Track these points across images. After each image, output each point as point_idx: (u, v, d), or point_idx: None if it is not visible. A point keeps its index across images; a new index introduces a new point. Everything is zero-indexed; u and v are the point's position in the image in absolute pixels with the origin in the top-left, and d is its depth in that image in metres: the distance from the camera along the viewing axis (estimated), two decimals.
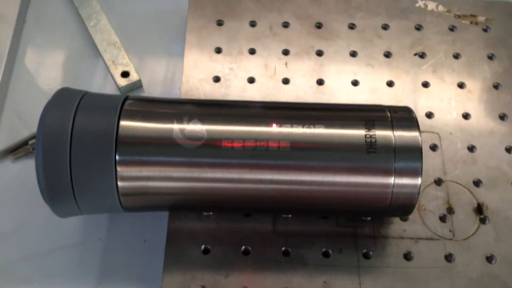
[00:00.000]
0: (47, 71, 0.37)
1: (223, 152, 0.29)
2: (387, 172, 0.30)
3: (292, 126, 0.30)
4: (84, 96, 0.31)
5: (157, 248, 0.33)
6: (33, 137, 0.36)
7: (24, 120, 0.37)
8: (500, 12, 0.42)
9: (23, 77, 0.38)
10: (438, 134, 0.37)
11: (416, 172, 0.30)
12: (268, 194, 0.30)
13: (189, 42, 0.39)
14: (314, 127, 0.30)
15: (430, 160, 0.36)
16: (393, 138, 0.30)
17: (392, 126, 0.30)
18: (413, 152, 0.30)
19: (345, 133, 0.30)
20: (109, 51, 0.39)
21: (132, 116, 0.30)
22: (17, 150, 0.36)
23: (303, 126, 0.30)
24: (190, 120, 0.30)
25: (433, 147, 0.36)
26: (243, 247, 0.33)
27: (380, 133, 0.30)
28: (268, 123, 0.30)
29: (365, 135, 0.30)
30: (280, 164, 0.30)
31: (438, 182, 0.35)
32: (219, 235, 0.33)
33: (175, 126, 0.30)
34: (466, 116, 0.38)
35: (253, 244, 0.33)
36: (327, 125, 0.30)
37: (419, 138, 0.30)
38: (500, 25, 0.41)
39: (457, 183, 0.35)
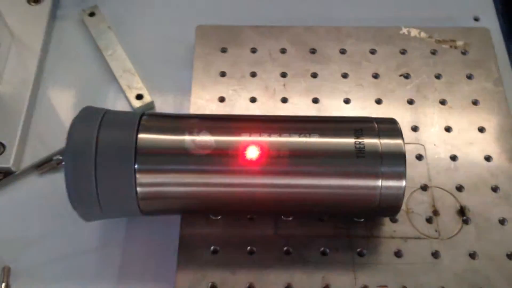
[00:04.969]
0: (69, 95, 0.41)
1: (229, 159, 0.33)
2: (375, 175, 0.33)
3: (290, 136, 0.34)
4: (106, 113, 0.35)
5: (170, 250, 0.36)
6: (56, 154, 0.40)
7: (48, 140, 0.41)
8: (476, 37, 0.46)
9: (46, 101, 0.43)
10: (423, 145, 0.41)
11: (401, 175, 0.33)
12: (269, 197, 0.34)
13: (196, 68, 0.44)
14: (310, 136, 0.34)
15: (416, 169, 0.40)
16: (380, 145, 0.34)
17: (379, 135, 0.34)
18: (397, 157, 0.34)
19: (337, 140, 0.34)
20: (125, 77, 0.44)
21: (149, 130, 0.34)
22: (42, 165, 0.40)
23: (299, 136, 0.34)
24: (199, 132, 0.34)
25: (419, 157, 0.40)
26: (248, 248, 0.36)
27: (368, 141, 0.34)
28: (268, 133, 0.34)
29: (355, 142, 0.33)
30: (280, 170, 0.33)
31: (424, 188, 0.39)
32: (226, 237, 0.37)
33: (187, 138, 0.34)
34: (448, 129, 0.41)
35: (257, 245, 0.36)
36: (321, 134, 0.34)
37: (403, 145, 0.34)
38: (477, 49, 0.45)
39: (441, 188, 0.39)
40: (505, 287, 0.35)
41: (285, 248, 0.36)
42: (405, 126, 0.41)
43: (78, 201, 0.34)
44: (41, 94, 0.43)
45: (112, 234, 0.38)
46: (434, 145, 0.41)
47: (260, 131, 0.34)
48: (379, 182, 0.33)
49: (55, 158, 0.40)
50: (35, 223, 0.38)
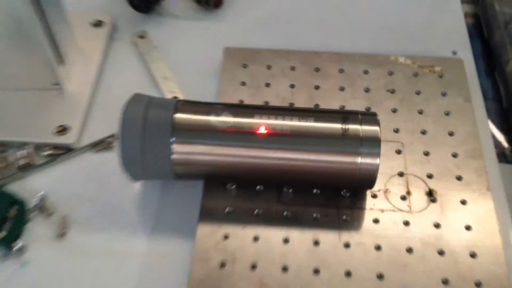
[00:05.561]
0: (120, 94, 0.51)
1: (243, 136, 0.43)
2: (356, 154, 0.43)
3: (291, 120, 0.44)
4: (150, 98, 0.45)
5: (193, 210, 0.46)
6: (108, 137, 0.51)
7: (102, 125, 0.51)
8: (452, 65, 0.56)
9: (102, 97, 0.53)
10: (402, 143, 0.50)
11: (376, 155, 0.43)
12: (274, 167, 0.44)
13: (222, 78, 0.54)
14: (307, 120, 0.44)
15: (395, 160, 0.49)
16: (361, 130, 0.43)
17: (361, 123, 0.44)
18: (374, 140, 0.43)
19: (327, 124, 0.43)
20: (165, 83, 0.55)
21: (182, 111, 0.44)
22: (97, 145, 0.50)
23: (299, 120, 0.44)
24: (222, 112, 0.44)
25: (398, 151, 0.49)
26: (255, 211, 0.45)
27: (352, 126, 0.43)
28: (275, 117, 0.44)
29: (341, 126, 0.43)
30: (282, 145, 0.43)
31: (401, 174, 0.48)
32: (238, 203, 0.46)
33: (212, 118, 0.44)
34: (423, 132, 0.51)
35: (263, 209, 0.46)
36: (316, 119, 0.44)
37: (379, 132, 0.43)
38: (451, 73, 0.55)
39: (414, 175, 0.48)
40: (461, 250, 0.44)
41: (284, 213, 0.46)
42: (389, 128, 0.51)
43: (128, 165, 0.44)
44: (99, 92, 0.54)
45: (149, 196, 0.47)
46: (411, 143, 0.50)
47: (268, 115, 0.44)
48: (359, 159, 0.43)
49: (107, 139, 0.50)
50: (88, 187, 0.48)
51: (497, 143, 0.63)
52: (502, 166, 0.58)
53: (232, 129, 0.44)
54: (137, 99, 0.45)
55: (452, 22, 0.63)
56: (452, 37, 0.61)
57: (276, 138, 0.43)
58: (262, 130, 0.43)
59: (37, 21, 0.47)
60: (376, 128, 0.44)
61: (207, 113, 0.44)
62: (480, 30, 0.70)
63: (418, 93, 0.54)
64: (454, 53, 0.59)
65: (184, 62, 0.57)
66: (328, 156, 0.43)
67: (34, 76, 0.51)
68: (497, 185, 0.49)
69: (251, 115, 0.44)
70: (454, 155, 0.49)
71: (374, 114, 0.45)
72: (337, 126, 0.43)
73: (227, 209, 0.46)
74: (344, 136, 0.43)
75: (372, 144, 0.43)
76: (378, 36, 0.60)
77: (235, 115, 0.44)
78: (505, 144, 0.61)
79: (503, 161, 0.63)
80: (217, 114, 0.44)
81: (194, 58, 0.57)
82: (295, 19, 0.62)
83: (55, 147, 0.50)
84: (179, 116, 0.44)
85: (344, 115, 0.44)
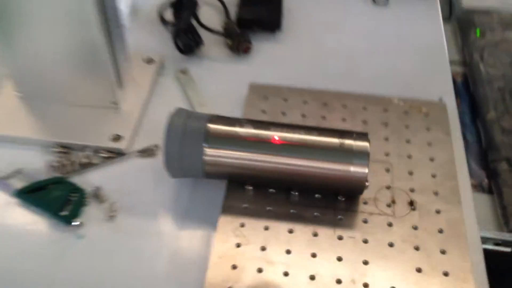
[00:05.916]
0: (164, 114, 0.63)
1: (262, 144, 0.55)
2: (349, 163, 0.54)
3: (299, 133, 0.55)
4: (189, 112, 0.58)
5: (217, 205, 0.57)
6: (152, 146, 0.63)
7: (148, 136, 0.64)
8: (436, 107, 0.68)
9: (150, 114, 0.66)
10: (391, 163, 0.61)
11: (365, 165, 0.54)
12: (283, 171, 0.55)
13: (247, 106, 0.67)
14: (311, 134, 0.55)
15: (384, 176, 0.60)
16: (354, 144, 0.55)
17: (355, 139, 0.55)
18: (364, 153, 0.54)
19: (328, 139, 0.55)
20: (200, 108, 0.67)
21: (213, 122, 0.56)
22: (143, 152, 0.62)
23: (305, 134, 0.55)
24: (245, 125, 0.56)
25: (387, 170, 0.60)
26: (267, 208, 0.56)
27: (347, 141, 0.55)
28: (286, 130, 0.55)
29: (339, 141, 0.55)
30: (291, 154, 0.54)
31: (388, 187, 0.59)
32: (254, 201, 0.57)
33: (236, 129, 0.56)
34: (409, 156, 0.62)
35: (273, 206, 0.56)
36: (319, 134, 0.55)
37: (368, 146, 0.54)
38: (436, 114, 0.67)
39: (399, 189, 0.59)
40: (434, 248, 0.53)
41: (291, 211, 0.56)
42: (381, 152, 0.62)
43: (169, 164, 0.55)
44: (147, 112, 0.67)
45: (181, 192, 0.59)
46: (399, 164, 0.61)
47: (281, 129, 0.56)
48: (351, 168, 0.54)
49: (151, 148, 0.62)
50: (133, 183, 0.60)
51: (476, 177, 0.74)
52: (477, 195, 0.68)
53: (252, 138, 0.55)
54: (179, 112, 0.57)
55: (441, 74, 0.75)
56: (440, 86, 0.73)
57: (286, 147, 0.55)
58: (275, 140, 0.55)
59: (107, 52, 0.60)
60: (366, 144, 0.55)
61: (233, 125, 0.56)
62: (467, 86, 0.83)
63: (407, 127, 0.65)
64: (440, 99, 0.71)
65: (216, 93, 0.70)
66: (327, 164, 0.54)
67: (98, 96, 0.64)
68: (468, 201, 0.59)
69: (267, 128, 0.56)
70: (433, 176, 0.60)
71: (366, 134, 0.57)
72: (335, 140, 0.55)
73: (244, 205, 0.57)
74: (340, 148, 0.54)
75: (363, 156, 0.54)
76: (377, 81, 0.73)
77: (255, 127, 0.56)
78: (483, 178, 0.71)
79: (480, 191, 0.73)
80: (241, 126, 0.56)
81: (225, 90, 0.70)
82: (309, 64, 0.75)
83: (110, 151, 0.62)
84: (211, 126, 0.56)
85: (341, 132, 0.56)
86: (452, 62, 0.84)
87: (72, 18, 0.57)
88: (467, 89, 0.81)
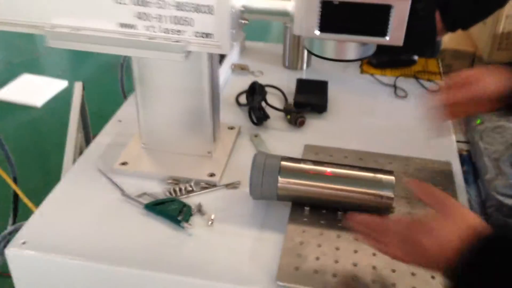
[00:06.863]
0: (247, 164, 0.88)
1: (319, 176, 0.79)
2: (380, 190, 0.78)
3: (345, 169, 0.80)
4: (267, 154, 0.83)
5: (284, 218, 0.80)
6: (236, 182, 0.88)
7: (240, 174, 0.89)
8: (442, 164, 0.92)
9: (232, 163, 0.92)
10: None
11: (391, 194, 0.77)
12: (333, 195, 0.79)
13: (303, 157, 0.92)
14: (354, 170, 0.80)
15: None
16: (382, 178, 0.79)
17: (383, 174, 0.79)
18: (390, 185, 0.78)
19: (365, 173, 0.79)
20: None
21: (285, 161, 0.81)
22: (230, 185, 0.87)
23: (349, 169, 0.80)
24: (307, 162, 0.81)
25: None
26: (321, 221, 0.79)
27: (378, 176, 0.79)
28: (336, 166, 0.80)
29: (372, 175, 0.79)
30: (338, 183, 0.79)
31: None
32: (310, 216, 0.80)
33: (301, 165, 0.81)
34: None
35: (325, 221, 0.79)
36: (359, 170, 0.80)
37: (394, 181, 0.78)
38: (442, 168, 0.91)
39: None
40: None
41: (338, 224, 0.79)
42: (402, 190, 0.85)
43: (253, 189, 0.80)
44: (231, 159, 0.92)
45: (259, 210, 0.82)
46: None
47: (332, 165, 0.80)
48: (381, 195, 0.78)
49: (235, 183, 0.87)
50: (223, 204, 0.84)
51: None
52: None
53: (312, 171, 0.80)
54: (260, 153, 0.83)
55: (448, 144, 0.99)
56: (446, 153, 0.97)
57: (336, 178, 0.79)
58: (328, 173, 0.79)
59: (210, 116, 0.87)
60: (392, 177, 0.79)
61: (299, 162, 0.81)
62: (470, 157, 1.07)
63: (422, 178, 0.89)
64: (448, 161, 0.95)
65: (279, 152, 0.95)
66: (364, 190, 0.78)
67: (199, 147, 0.91)
68: None
69: (323, 165, 0.81)
70: None
71: (392, 171, 0.81)
72: (370, 174, 0.79)
73: (304, 219, 0.80)
74: (373, 180, 0.79)
75: (389, 186, 0.78)
76: (398, 145, 0.98)
77: (314, 164, 0.81)
78: None
79: None
80: (305, 163, 0.81)
81: (285, 151, 0.95)
82: (347, 136, 1.01)
83: (207, 183, 0.87)
84: (283, 163, 0.81)
85: (374, 169, 0.80)
86: (458, 142, 1.09)
87: (192, 90, 0.85)
88: (470, 160, 1.05)
